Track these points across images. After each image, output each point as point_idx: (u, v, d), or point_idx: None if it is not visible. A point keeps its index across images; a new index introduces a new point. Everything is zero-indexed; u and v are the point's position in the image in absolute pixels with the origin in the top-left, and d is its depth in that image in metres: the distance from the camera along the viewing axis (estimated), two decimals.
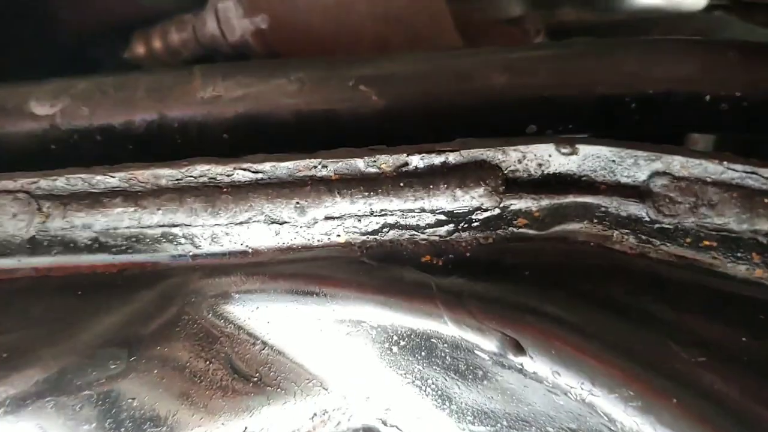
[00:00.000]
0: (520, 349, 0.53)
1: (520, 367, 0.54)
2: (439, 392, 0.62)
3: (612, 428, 0.53)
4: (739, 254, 0.54)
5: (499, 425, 0.64)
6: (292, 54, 0.94)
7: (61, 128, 0.74)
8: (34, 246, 0.61)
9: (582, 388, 0.51)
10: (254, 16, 0.92)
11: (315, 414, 0.65)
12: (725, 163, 0.52)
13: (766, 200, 0.51)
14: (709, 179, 0.53)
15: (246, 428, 0.62)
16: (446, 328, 0.56)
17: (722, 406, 0.48)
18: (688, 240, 0.55)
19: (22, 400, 0.56)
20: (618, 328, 0.52)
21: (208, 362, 0.60)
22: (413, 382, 0.62)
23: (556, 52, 0.72)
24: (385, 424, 0.67)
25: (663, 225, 0.55)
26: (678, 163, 0.53)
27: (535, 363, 0.53)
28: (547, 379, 0.53)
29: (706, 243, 0.54)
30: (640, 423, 0.49)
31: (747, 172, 0.52)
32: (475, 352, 0.56)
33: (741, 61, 0.69)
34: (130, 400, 0.57)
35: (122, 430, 0.58)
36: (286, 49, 0.93)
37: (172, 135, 0.74)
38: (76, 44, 1.23)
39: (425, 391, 0.63)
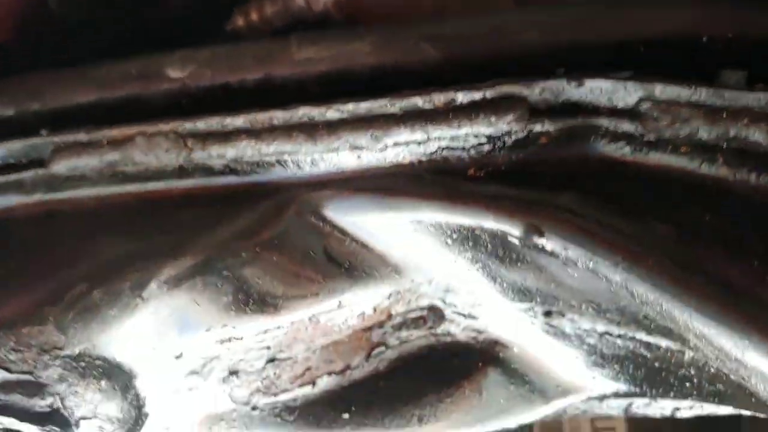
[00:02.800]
0: (540, 232, 0.72)
1: (541, 247, 0.73)
2: (486, 274, 0.82)
3: (612, 289, 0.71)
4: (707, 156, 0.71)
5: (534, 301, 0.83)
6: (364, 19, 1.14)
7: (190, 87, 0.96)
8: (181, 172, 0.84)
9: (586, 258, 0.70)
10: None
11: (391, 294, 0.86)
12: (693, 87, 0.69)
13: (724, 114, 0.68)
14: (681, 101, 0.70)
15: (340, 302, 0.84)
16: (486, 221, 0.76)
17: (685, 265, 0.66)
18: (670, 147, 0.72)
19: (179, 279, 0.79)
20: (612, 214, 0.71)
21: (311, 252, 0.81)
22: (465, 266, 0.82)
23: (574, 10, 0.88)
24: (444, 302, 0.88)
25: (649, 138, 0.73)
26: (658, 90, 0.71)
27: (551, 242, 0.72)
28: (561, 254, 0.72)
29: (683, 149, 0.72)
30: (627, 278, 0.68)
31: (710, 94, 0.69)
32: (509, 239, 0.76)
33: (732, 6, 0.84)
34: (256, 280, 0.80)
35: (250, 301, 0.80)
36: (360, 16, 1.13)
37: (276, 89, 0.95)
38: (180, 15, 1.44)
39: (474, 273, 0.82)
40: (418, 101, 0.78)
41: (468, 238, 0.79)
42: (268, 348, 0.86)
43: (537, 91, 0.75)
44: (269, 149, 0.81)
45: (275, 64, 0.94)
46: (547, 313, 0.84)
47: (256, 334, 0.83)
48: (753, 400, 0.70)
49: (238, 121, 0.81)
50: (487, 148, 0.78)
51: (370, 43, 0.91)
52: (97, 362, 0.79)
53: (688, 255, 0.67)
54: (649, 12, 0.85)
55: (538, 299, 0.82)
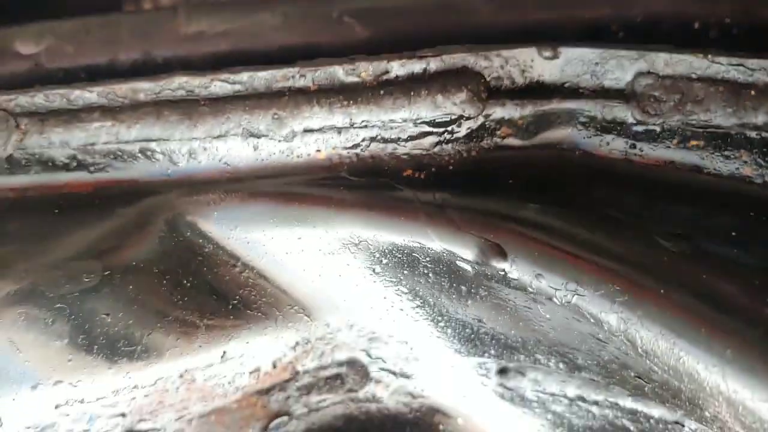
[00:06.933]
0: (502, 254, 0.52)
1: (503, 274, 0.52)
2: (425, 313, 0.60)
3: (599, 335, 0.51)
4: (727, 152, 0.52)
5: (487, 354, 0.62)
6: None
7: (45, 67, 0.74)
8: (12, 165, 0.60)
9: (567, 289, 0.50)
10: None
11: (297, 343, 0.63)
12: (710, 56, 0.50)
13: (752, 92, 0.50)
14: (694, 75, 0.52)
15: (225, 353, 0.60)
16: (428, 239, 0.55)
17: (710, 295, 0.46)
18: (675, 141, 0.53)
19: None
20: (602, 229, 0.51)
21: (186, 281, 0.58)
22: (398, 304, 0.60)
23: None
24: (369, 356, 0.65)
25: (648, 126, 0.54)
26: (662, 61, 0.52)
27: (517, 267, 0.51)
28: (531, 285, 0.51)
29: (694, 143, 0.53)
30: (628, 319, 0.47)
31: (732, 65, 0.50)
32: (458, 263, 0.55)
33: None
34: (104, 316, 0.56)
35: (95, 347, 0.56)
36: None
37: (157, 72, 0.73)
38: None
39: (411, 315, 0.61)
40: (339, 72, 0.57)
41: (403, 264, 0.58)
42: (123, 415, 0.61)
43: (497, 63, 0.56)
44: (131, 134, 0.58)
45: (157, 40, 0.73)
46: (503, 371, 0.63)
47: (104, 394, 0.59)
48: None
49: (90, 94, 0.59)
50: (430, 140, 0.58)
51: (280, 15, 0.71)
52: None
53: (710, 284, 0.47)
54: None
55: (493, 351, 0.61)
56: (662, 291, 0.46)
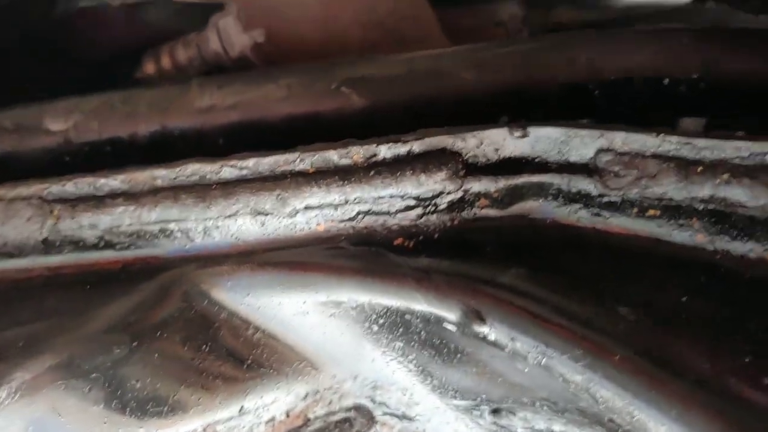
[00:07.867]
0: (480, 318, 0.58)
1: (483, 336, 0.59)
2: (420, 368, 0.67)
3: (570, 389, 0.57)
4: (681, 222, 0.58)
5: (479, 398, 0.68)
6: (287, 62, 1.01)
7: (73, 142, 0.82)
8: (47, 246, 0.68)
9: (537, 352, 0.56)
10: (251, 30, 1.00)
11: (307, 393, 0.70)
12: (661, 136, 0.56)
13: (699, 168, 0.55)
14: (648, 152, 0.57)
15: (242, 407, 0.67)
16: (417, 303, 0.61)
17: (661, 359, 0.52)
18: (635, 210, 0.59)
19: (36, 384, 0.62)
20: (568, 295, 0.57)
21: (205, 346, 0.65)
22: (395, 358, 0.67)
23: (519, 47, 0.76)
24: (373, 402, 0.72)
25: (610, 198, 0.59)
26: (620, 140, 0.58)
27: (494, 330, 0.57)
28: (507, 346, 0.58)
29: (651, 212, 0.58)
30: (589, 380, 0.53)
31: (682, 143, 0.56)
32: (444, 325, 0.61)
33: (695, 46, 0.73)
34: (134, 382, 0.63)
35: (128, 409, 0.64)
36: (282, 59, 1.00)
37: (174, 143, 0.81)
38: (92, 70, 1.31)
39: (407, 367, 0.67)
40: (334, 156, 0.64)
41: (397, 324, 0.64)
42: None
43: (473, 143, 0.62)
44: (151, 216, 0.66)
45: (173, 114, 0.80)
46: (495, 411, 0.69)
47: None
48: None
49: (114, 181, 0.66)
50: (416, 212, 0.64)
51: (285, 86, 0.78)
52: None
53: (662, 348, 0.53)
54: (603, 50, 0.74)
55: (484, 396, 0.68)
56: (618, 357, 0.52)
